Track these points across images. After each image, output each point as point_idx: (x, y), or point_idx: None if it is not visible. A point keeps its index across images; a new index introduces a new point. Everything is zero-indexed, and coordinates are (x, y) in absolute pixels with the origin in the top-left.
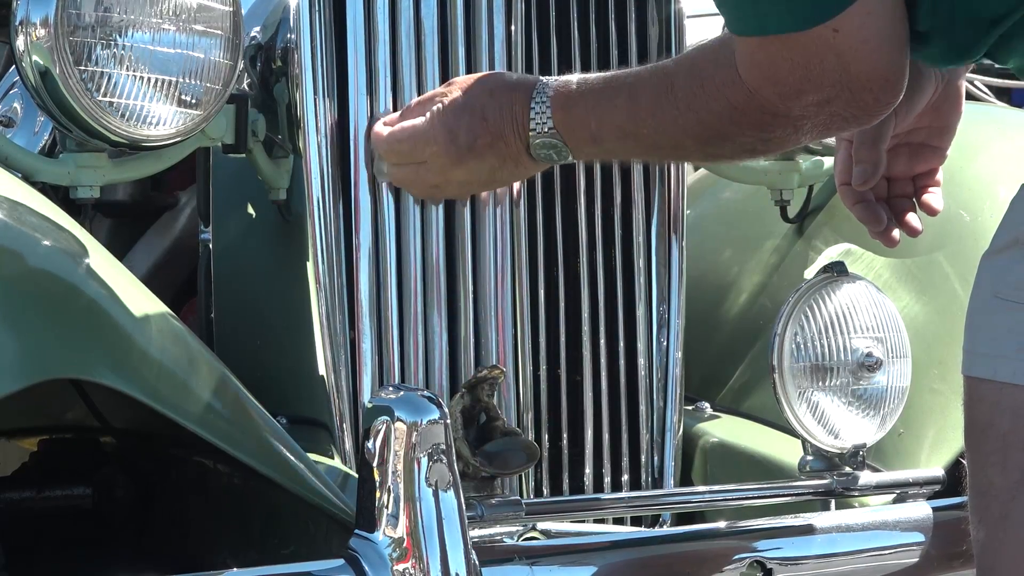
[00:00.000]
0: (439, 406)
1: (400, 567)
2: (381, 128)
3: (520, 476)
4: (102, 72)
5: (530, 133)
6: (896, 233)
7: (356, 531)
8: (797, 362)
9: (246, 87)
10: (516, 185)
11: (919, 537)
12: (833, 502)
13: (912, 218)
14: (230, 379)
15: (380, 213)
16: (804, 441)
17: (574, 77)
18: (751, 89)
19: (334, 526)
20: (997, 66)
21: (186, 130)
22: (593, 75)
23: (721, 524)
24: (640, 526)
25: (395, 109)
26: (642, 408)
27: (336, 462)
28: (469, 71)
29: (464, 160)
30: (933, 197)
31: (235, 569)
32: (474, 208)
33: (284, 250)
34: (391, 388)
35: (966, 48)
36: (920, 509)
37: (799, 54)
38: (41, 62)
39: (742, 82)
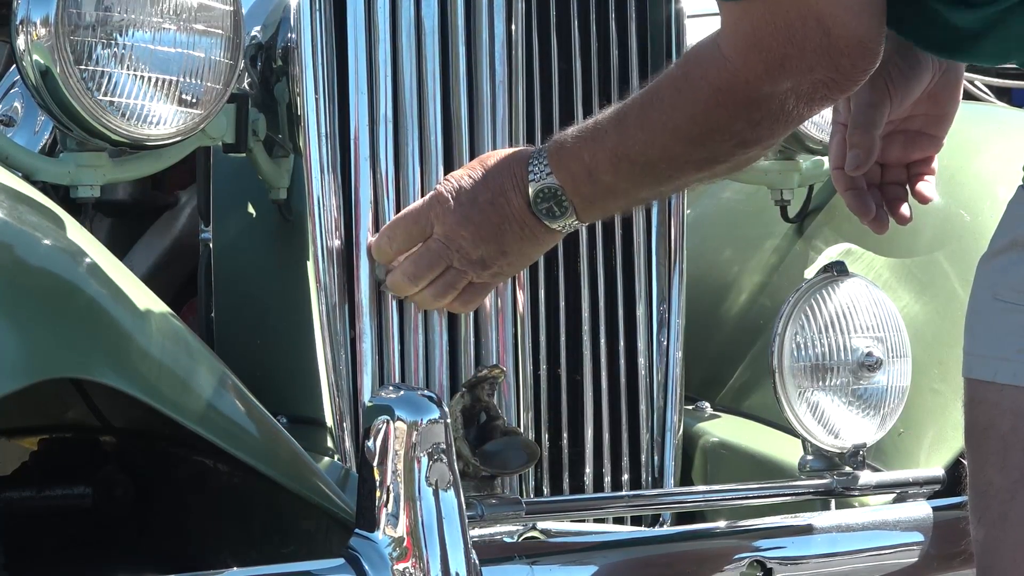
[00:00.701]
0: (439, 405)
1: (400, 567)
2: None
3: (520, 476)
4: (103, 71)
5: (529, 185)
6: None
7: (356, 530)
8: (797, 362)
9: (246, 86)
10: None
11: (919, 537)
12: (833, 502)
13: (903, 207)
14: (230, 378)
15: (380, 212)
16: (804, 441)
17: (569, 129)
18: (736, 65)
19: (334, 526)
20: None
21: (186, 129)
22: (586, 120)
23: (721, 524)
24: (640, 526)
25: (395, 109)
26: (642, 408)
27: (336, 461)
28: (469, 71)
29: (468, 217)
30: (926, 186)
31: (235, 569)
32: None
33: (284, 250)
34: (391, 387)
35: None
36: (920, 509)
37: (782, 18)
38: (41, 61)
39: (725, 61)
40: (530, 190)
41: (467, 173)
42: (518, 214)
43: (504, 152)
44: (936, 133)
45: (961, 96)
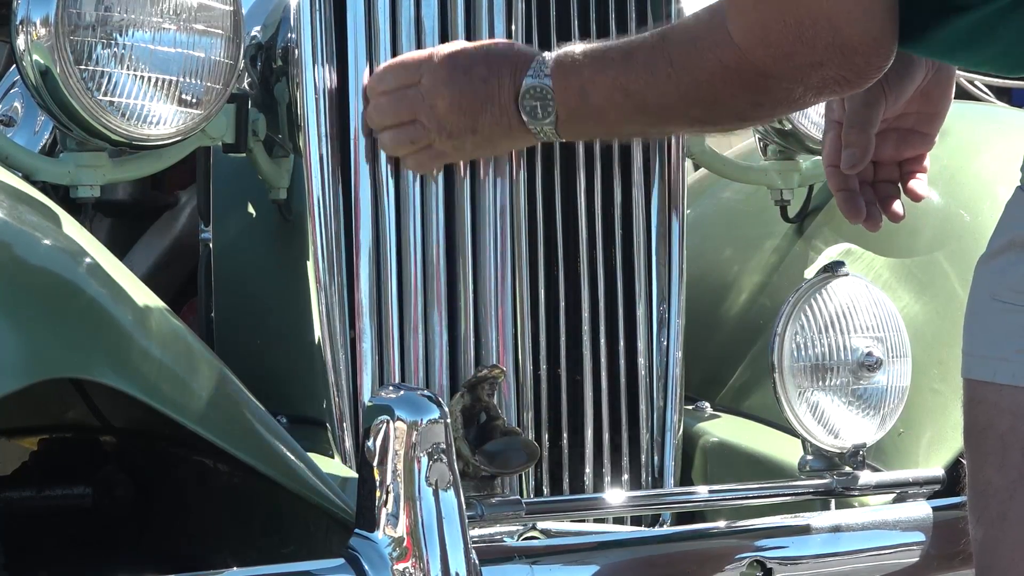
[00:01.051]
0: (439, 405)
1: (400, 566)
2: None
3: (520, 476)
4: (102, 71)
5: (525, 78)
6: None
7: (356, 530)
8: (797, 362)
9: (246, 86)
10: (515, 173)
11: (919, 537)
12: (833, 502)
13: (896, 204)
14: (230, 378)
15: (380, 213)
16: (804, 441)
17: (581, 44)
18: (743, 50)
19: (334, 526)
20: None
21: (186, 129)
22: (597, 42)
23: (721, 524)
24: (640, 526)
25: None
26: (642, 408)
27: (336, 461)
28: None
29: (457, 81)
30: (918, 183)
31: (235, 569)
32: (474, 207)
33: (284, 250)
34: (391, 387)
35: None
36: (920, 509)
37: (791, 15)
38: (41, 61)
39: (734, 44)
40: (524, 83)
41: (475, 45)
42: (504, 101)
43: (517, 44)
44: (928, 131)
45: (953, 94)
